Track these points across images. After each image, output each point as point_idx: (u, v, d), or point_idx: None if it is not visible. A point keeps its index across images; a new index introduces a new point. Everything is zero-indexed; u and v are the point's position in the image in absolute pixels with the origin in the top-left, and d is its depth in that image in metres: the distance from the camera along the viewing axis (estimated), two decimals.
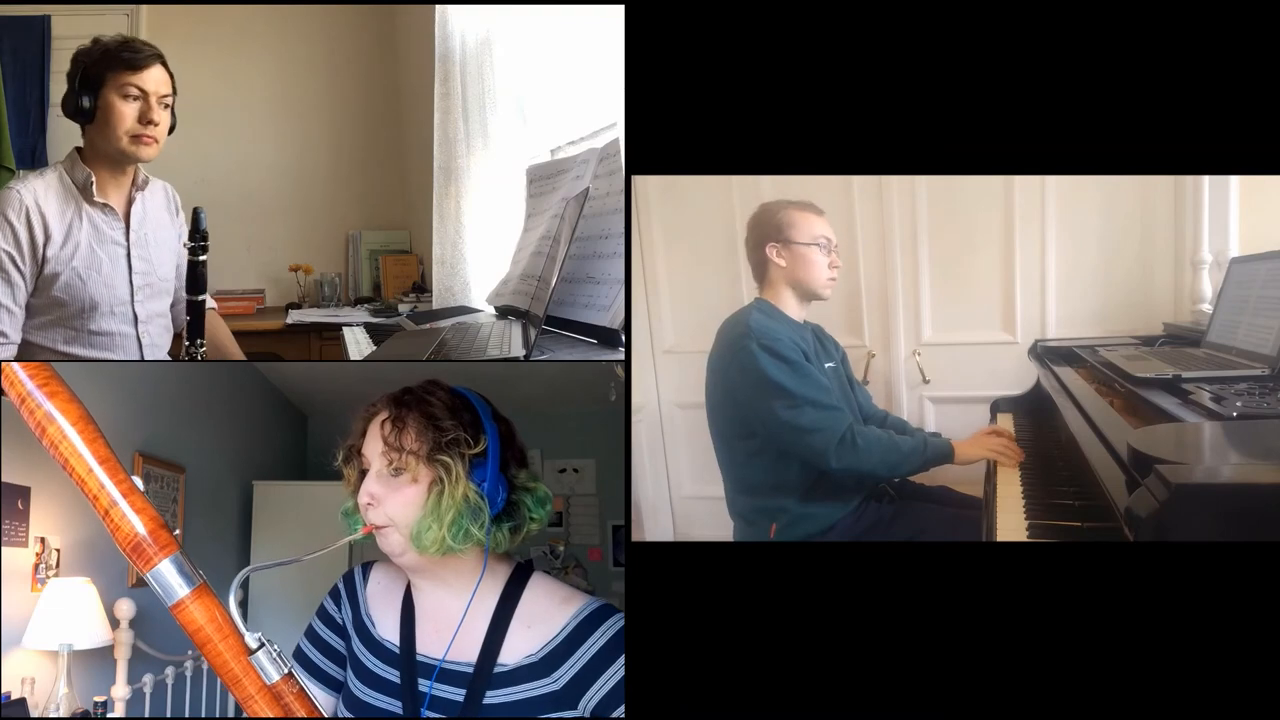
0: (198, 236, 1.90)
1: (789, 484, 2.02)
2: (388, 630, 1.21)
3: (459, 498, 1.12)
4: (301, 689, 1.03)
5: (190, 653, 2.68)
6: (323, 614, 1.27)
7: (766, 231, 2.10)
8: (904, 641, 1.75)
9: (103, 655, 2.19)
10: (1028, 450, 1.97)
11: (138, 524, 0.99)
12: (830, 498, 2.01)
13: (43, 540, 2.04)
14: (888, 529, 2.02)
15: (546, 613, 1.15)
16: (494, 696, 1.11)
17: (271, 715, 1.00)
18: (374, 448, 1.15)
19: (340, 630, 1.25)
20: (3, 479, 1.91)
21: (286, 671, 1.02)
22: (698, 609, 1.78)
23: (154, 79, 1.84)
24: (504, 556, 1.20)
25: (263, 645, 1.02)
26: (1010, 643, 1.73)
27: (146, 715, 2.38)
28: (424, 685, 1.15)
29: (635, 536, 2.91)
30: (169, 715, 2.55)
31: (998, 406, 2.48)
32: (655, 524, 3.09)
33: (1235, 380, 1.63)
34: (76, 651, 2.02)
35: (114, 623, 2.23)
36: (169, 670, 2.53)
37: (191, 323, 1.93)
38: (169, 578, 1.00)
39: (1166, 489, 1.05)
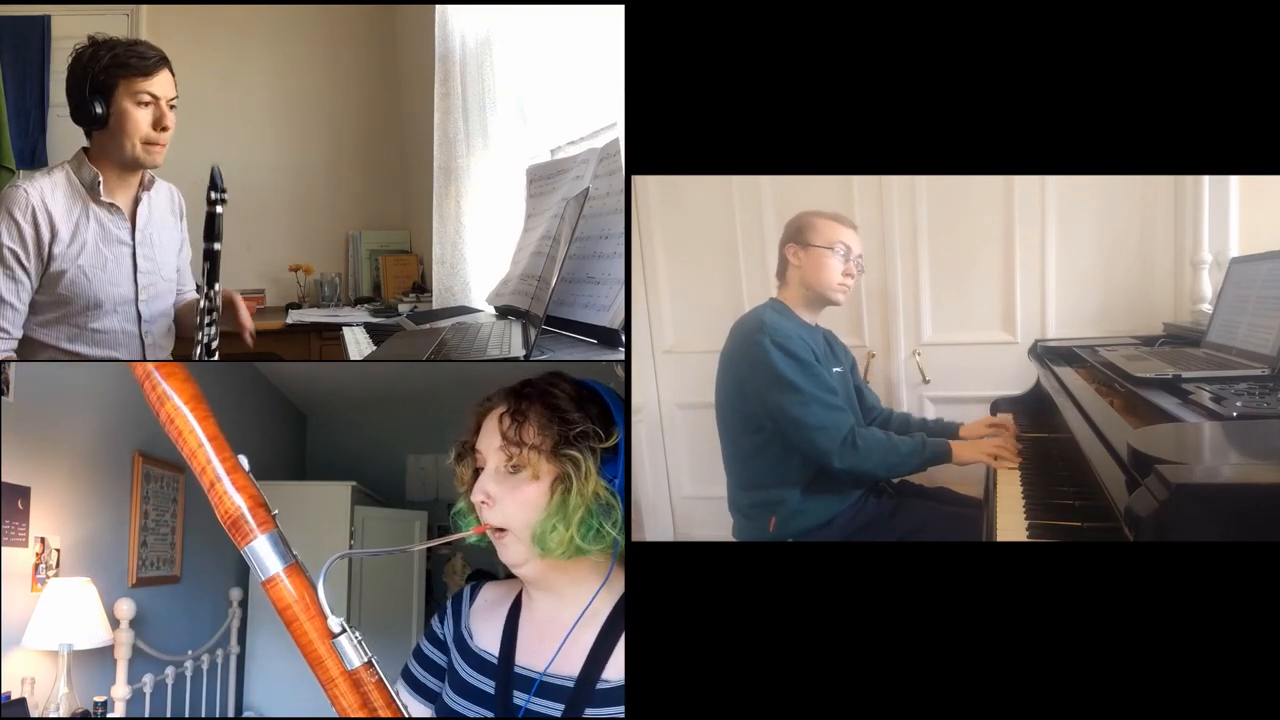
0: (218, 189, 1.90)
1: (790, 478, 2.05)
2: (487, 641, 1.15)
3: (589, 494, 1.05)
4: (381, 679, 1.01)
5: (190, 653, 2.69)
6: (429, 632, 1.23)
7: (790, 233, 2.16)
8: (904, 641, 1.75)
9: (103, 655, 2.20)
10: (1028, 450, 1.97)
11: (239, 500, 1.02)
12: (829, 492, 2.04)
13: (43, 540, 2.04)
14: (886, 524, 2.04)
15: None
16: (594, 713, 1.04)
17: (352, 699, 1.00)
18: (490, 443, 1.09)
19: (442, 645, 1.21)
20: (3, 479, 1.91)
21: (367, 660, 1.01)
22: (698, 609, 1.78)
23: (164, 83, 1.86)
24: (621, 566, 1.13)
25: (345, 630, 1.01)
26: (1010, 643, 1.73)
27: (146, 715, 2.38)
28: (520, 698, 1.08)
29: (635, 536, 2.91)
30: (169, 715, 2.55)
31: (998, 406, 2.49)
32: (655, 524, 3.10)
33: (1235, 380, 1.63)
34: (76, 651, 2.02)
35: (114, 623, 2.23)
36: (169, 670, 2.54)
37: (210, 270, 1.92)
38: (264, 554, 1.02)
39: (1166, 489, 1.05)
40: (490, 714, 1.09)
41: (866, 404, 2.31)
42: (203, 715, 2.76)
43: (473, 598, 1.21)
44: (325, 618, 1.00)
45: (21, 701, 1.91)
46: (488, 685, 1.11)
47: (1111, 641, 1.71)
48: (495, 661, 1.12)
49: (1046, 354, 2.42)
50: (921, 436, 2.03)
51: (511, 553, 1.08)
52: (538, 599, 1.13)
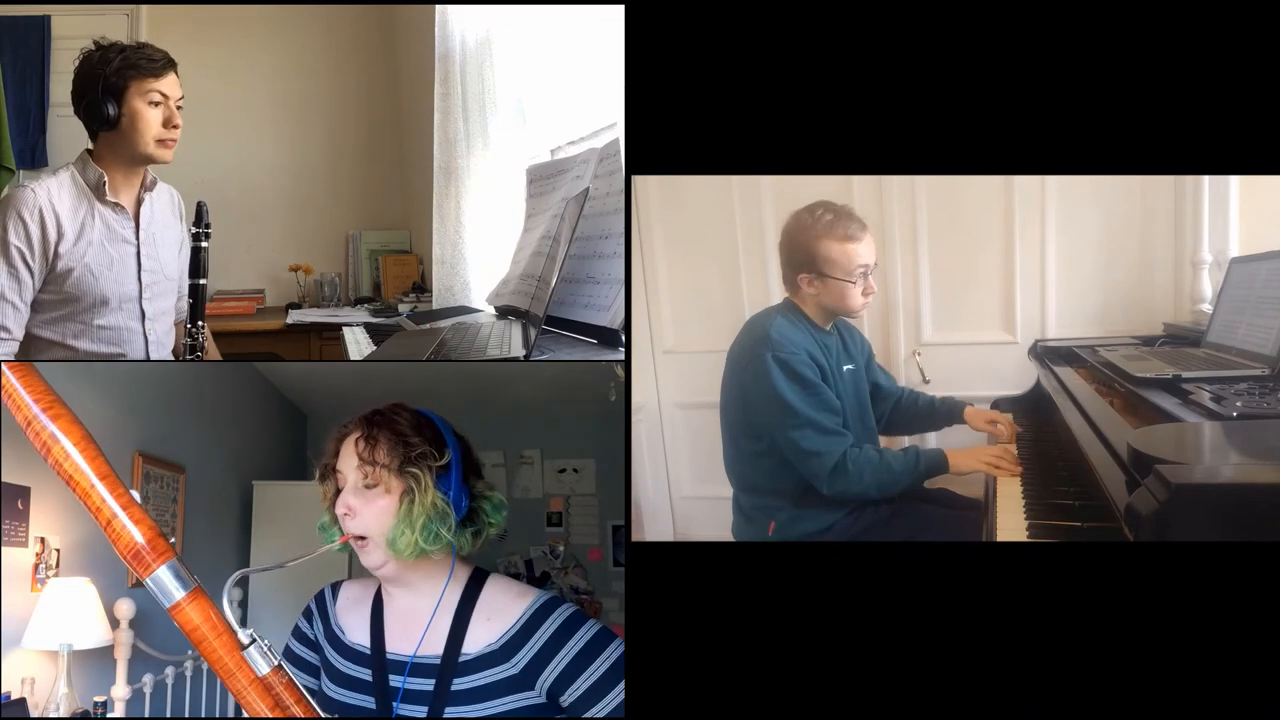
0: (202, 224, 1.98)
1: (787, 488, 2.03)
2: (357, 635, 1.32)
3: (428, 504, 1.24)
4: (290, 680, 1.12)
5: (190, 653, 2.68)
6: (297, 632, 1.40)
7: (800, 259, 2.04)
8: (904, 641, 1.75)
9: (103, 655, 2.19)
10: (1028, 450, 1.97)
11: (137, 534, 1.08)
12: (825, 506, 2.01)
13: (43, 540, 2.04)
14: (886, 528, 2.02)
15: (504, 606, 1.28)
16: (460, 683, 1.24)
17: (266, 702, 1.10)
18: (349, 463, 1.26)
19: (313, 644, 1.37)
20: (3, 479, 1.91)
21: (276, 664, 1.11)
22: (698, 609, 1.78)
23: (172, 84, 1.90)
24: (465, 560, 1.32)
25: (254, 641, 1.10)
26: (1010, 643, 1.73)
27: (146, 715, 2.38)
28: (396, 680, 1.27)
29: (635, 536, 2.91)
30: (169, 715, 2.55)
31: (998, 406, 2.48)
32: (655, 524, 3.10)
33: (1235, 380, 1.63)
34: (76, 651, 2.02)
35: (114, 623, 2.22)
36: (169, 670, 2.53)
37: (193, 306, 2.00)
38: (166, 583, 1.08)
39: (1166, 489, 1.05)
40: (370, 698, 1.27)
41: (882, 393, 2.29)
42: (203, 715, 2.76)
43: (334, 597, 1.38)
44: (234, 633, 1.09)
45: (21, 701, 1.91)
46: (364, 673, 1.29)
47: (1111, 641, 1.71)
48: (369, 652, 1.30)
49: (1046, 354, 2.42)
50: (915, 450, 1.98)
51: (372, 558, 1.26)
52: (396, 594, 1.31)
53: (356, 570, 1.37)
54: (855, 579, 1.78)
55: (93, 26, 3.28)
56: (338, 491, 1.28)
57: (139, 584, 2.52)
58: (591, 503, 3.87)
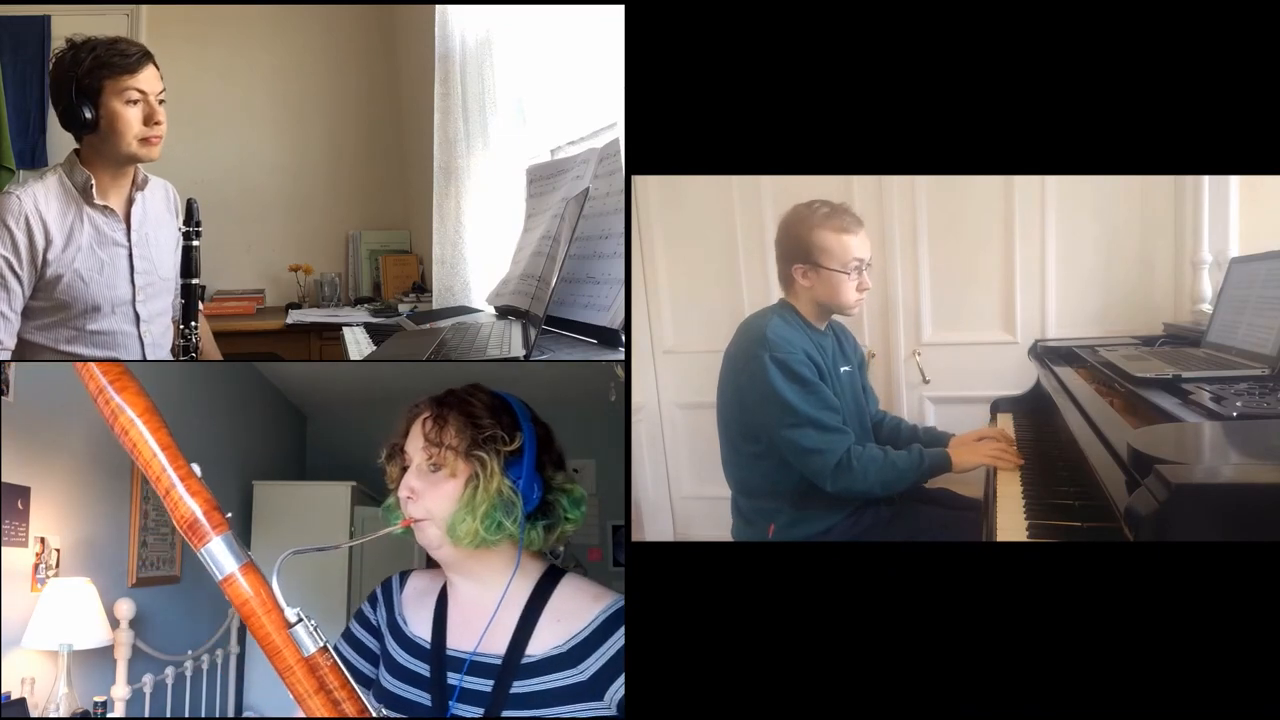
0: (192, 223, 1.96)
1: (785, 491, 2.02)
2: (420, 628, 1.26)
3: (493, 491, 1.17)
4: (336, 662, 1.09)
5: (190, 653, 2.69)
6: (359, 617, 1.33)
7: (795, 250, 2.04)
8: (904, 641, 1.75)
9: (103, 655, 2.20)
10: (1028, 450, 1.97)
11: (194, 505, 1.09)
12: (825, 508, 2.01)
13: (43, 540, 2.04)
14: (886, 530, 2.02)
15: (577, 607, 1.20)
16: (521, 686, 1.16)
17: (309, 683, 1.08)
18: (416, 444, 1.21)
19: (374, 631, 1.30)
20: (3, 479, 1.91)
21: (323, 645, 1.08)
22: (698, 609, 1.78)
23: (149, 78, 1.84)
24: (537, 555, 1.25)
25: (301, 620, 1.08)
26: (1010, 643, 1.73)
27: (146, 715, 2.38)
28: (454, 678, 1.20)
29: (635, 536, 2.92)
30: (169, 715, 2.55)
31: (998, 406, 2.48)
32: (655, 524, 3.10)
33: (1235, 380, 1.63)
34: (76, 651, 2.02)
35: (114, 623, 2.23)
36: (169, 670, 2.54)
37: (186, 306, 1.98)
38: (220, 555, 1.08)
39: (1166, 489, 1.05)
40: (426, 694, 1.21)
41: (869, 407, 2.29)
42: (203, 715, 2.76)
43: (402, 586, 1.32)
44: (281, 610, 1.08)
45: (21, 701, 1.91)
46: (422, 668, 1.23)
47: (1111, 641, 1.71)
48: (428, 646, 1.23)
49: (1046, 354, 2.42)
50: (918, 449, 1.98)
51: (428, 535, 1.20)
52: (460, 586, 1.25)
53: (428, 560, 1.31)
54: (855, 579, 1.78)
55: (93, 26, 3.27)
56: (403, 472, 1.22)
57: (139, 583, 2.52)
58: (591, 503, 3.86)
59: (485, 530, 1.17)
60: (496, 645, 1.20)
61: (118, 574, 2.37)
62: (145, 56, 1.84)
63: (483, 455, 1.18)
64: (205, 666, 2.77)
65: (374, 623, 1.31)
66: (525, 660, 1.17)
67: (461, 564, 1.22)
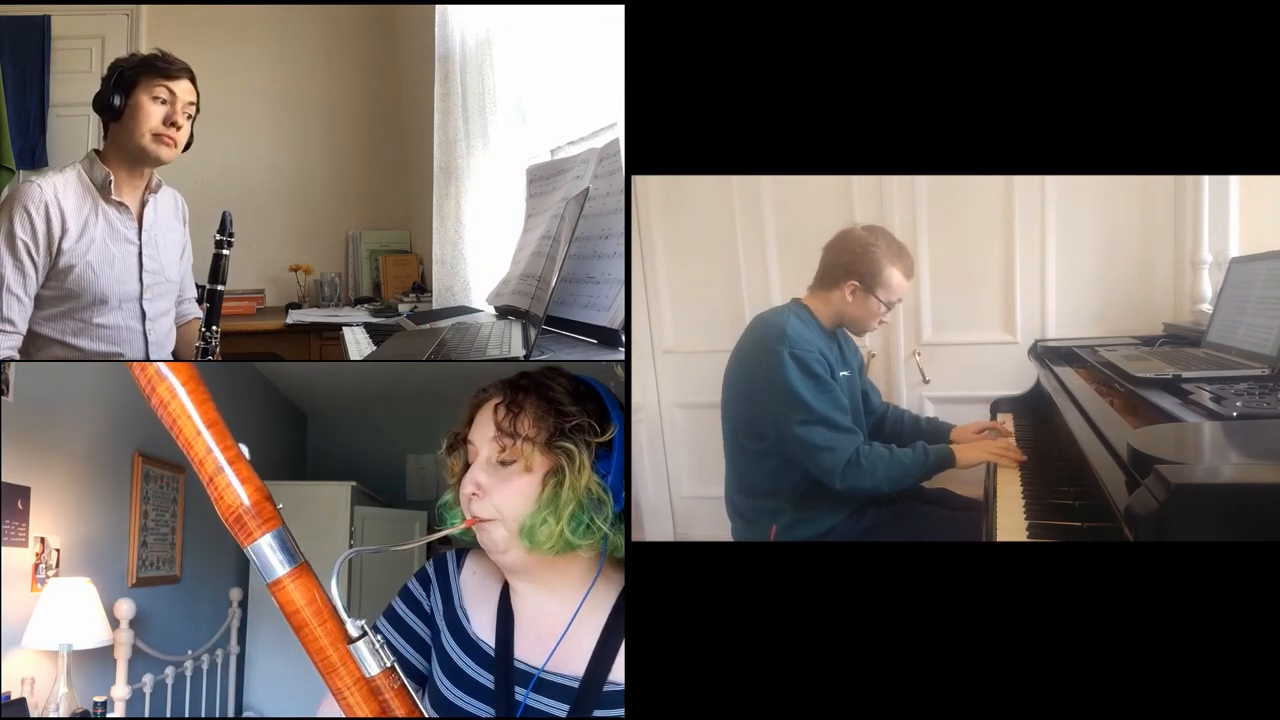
0: (226, 232, 2.01)
1: (787, 490, 2.04)
2: (483, 629, 1.11)
3: (581, 489, 1.03)
4: (403, 686, 0.94)
5: (190, 653, 2.68)
6: (408, 597, 1.16)
7: (861, 270, 2.08)
8: (904, 641, 1.75)
9: (103, 655, 2.20)
10: (1028, 450, 1.97)
11: (243, 494, 0.92)
12: (827, 507, 2.03)
13: (43, 540, 2.04)
14: (887, 531, 2.03)
15: None
16: (603, 714, 1.02)
17: (369, 709, 0.92)
18: (484, 434, 1.06)
19: (427, 618, 1.14)
20: (3, 479, 1.91)
21: (388, 665, 0.93)
22: (698, 609, 1.78)
23: (183, 88, 1.92)
24: (619, 564, 1.10)
25: (364, 634, 0.93)
26: (1010, 643, 1.73)
27: (146, 715, 2.38)
28: (518, 694, 1.05)
29: (635, 536, 2.90)
30: (169, 715, 2.55)
31: (998, 406, 2.49)
32: (655, 524, 3.10)
33: (1235, 380, 1.63)
34: (76, 651, 2.02)
35: (114, 623, 2.23)
36: (169, 670, 2.54)
37: (210, 311, 2.03)
38: (268, 554, 0.93)
39: (1166, 489, 1.05)
40: (490, 709, 1.06)
41: (870, 407, 2.30)
42: (203, 715, 2.75)
43: (459, 566, 1.16)
44: (342, 622, 0.93)
45: (21, 701, 1.91)
46: (487, 679, 1.07)
47: (1111, 641, 1.71)
48: (492, 654, 1.08)
49: (1046, 354, 2.42)
50: (923, 445, 2.02)
51: (494, 538, 1.05)
52: (526, 590, 1.09)
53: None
54: (855, 579, 1.78)
55: (93, 26, 3.28)
56: (466, 466, 1.07)
57: (139, 583, 2.52)
58: None
59: (571, 533, 1.02)
60: (569, 664, 1.05)
61: (117, 574, 2.37)
62: (186, 71, 1.94)
63: (569, 447, 1.03)
64: (205, 666, 2.77)
65: (427, 609, 1.14)
66: (610, 688, 1.03)
67: (533, 570, 1.07)
